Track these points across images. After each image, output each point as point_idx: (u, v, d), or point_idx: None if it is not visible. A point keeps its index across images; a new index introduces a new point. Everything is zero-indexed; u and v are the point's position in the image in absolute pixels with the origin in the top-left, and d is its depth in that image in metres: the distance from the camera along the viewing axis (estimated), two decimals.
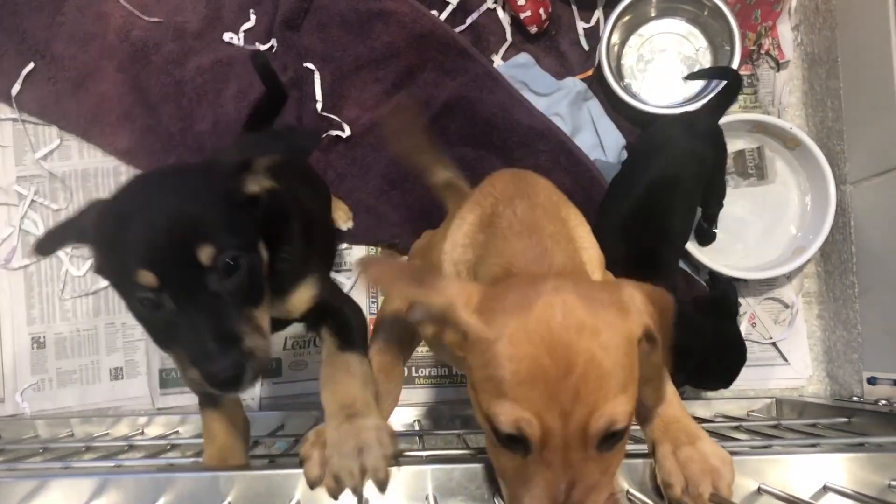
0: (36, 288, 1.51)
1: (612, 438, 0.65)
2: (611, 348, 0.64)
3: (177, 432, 1.39)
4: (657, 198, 1.27)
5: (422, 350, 1.51)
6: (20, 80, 1.53)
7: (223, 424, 0.88)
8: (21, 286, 1.51)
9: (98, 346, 1.50)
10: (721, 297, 1.32)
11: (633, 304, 0.68)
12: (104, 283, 1.48)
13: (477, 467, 0.76)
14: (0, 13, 1.54)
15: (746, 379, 1.51)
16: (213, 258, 0.72)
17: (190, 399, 1.48)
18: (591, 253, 0.87)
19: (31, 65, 1.53)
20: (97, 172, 1.54)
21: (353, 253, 1.54)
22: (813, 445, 0.99)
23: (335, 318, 0.90)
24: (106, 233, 0.73)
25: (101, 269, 0.77)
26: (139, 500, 0.75)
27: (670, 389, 0.81)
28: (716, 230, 1.49)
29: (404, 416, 1.40)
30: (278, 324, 0.90)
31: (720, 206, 1.44)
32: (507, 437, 0.65)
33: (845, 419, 1.21)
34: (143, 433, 1.39)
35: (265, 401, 1.48)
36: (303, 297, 0.89)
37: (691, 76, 1.46)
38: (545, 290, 0.66)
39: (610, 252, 0.95)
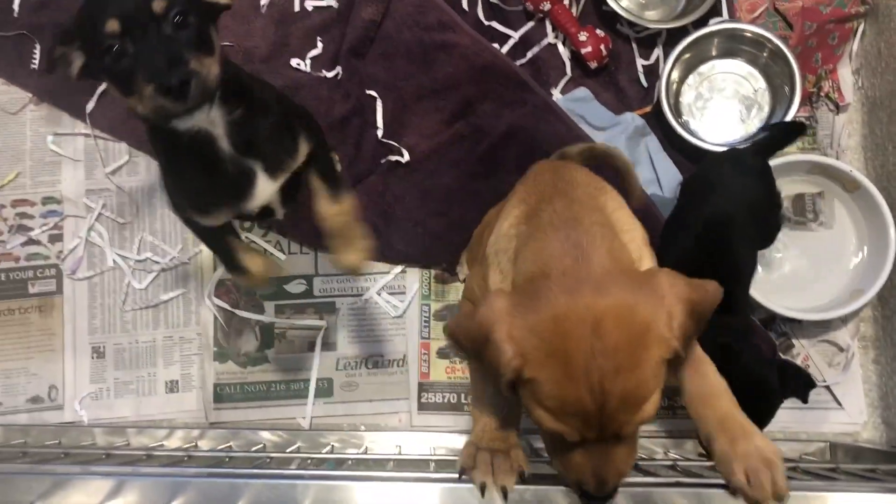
0: (99, 298, 1.55)
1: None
2: (643, 367, 0.70)
3: (230, 447, 1.41)
4: (718, 236, 1.27)
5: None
6: (95, 98, 1.58)
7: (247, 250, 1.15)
8: (85, 296, 1.55)
9: (155, 359, 1.53)
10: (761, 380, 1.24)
11: (667, 295, 0.74)
12: (165, 296, 1.53)
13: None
14: None
15: (800, 421, 1.50)
16: (165, 9, 0.88)
17: (242, 415, 1.51)
18: (632, 234, 0.90)
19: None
20: (163, 188, 1.58)
21: (407, 276, 1.56)
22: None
23: (321, 163, 1.14)
24: (83, 16, 0.92)
25: (86, 62, 0.94)
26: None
27: (717, 379, 0.87)
28: (759, 267, 1.49)
29: (457, 442, 1.41)
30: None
31: (769, 243, 1.43)
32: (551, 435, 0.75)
33: None
34: (196, 446, 1.41)
35: (316, 420, 1.50)
36: (303, 149, 1.10)
37: (764, 129, 1.47)
38: (585, 301, 0.70)
39: None
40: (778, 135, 1.44)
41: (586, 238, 0.79)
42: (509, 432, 0.87)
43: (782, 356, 1.49)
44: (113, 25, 0.86)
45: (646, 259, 0.90)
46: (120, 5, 0.88)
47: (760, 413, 1.20)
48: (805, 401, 1.27)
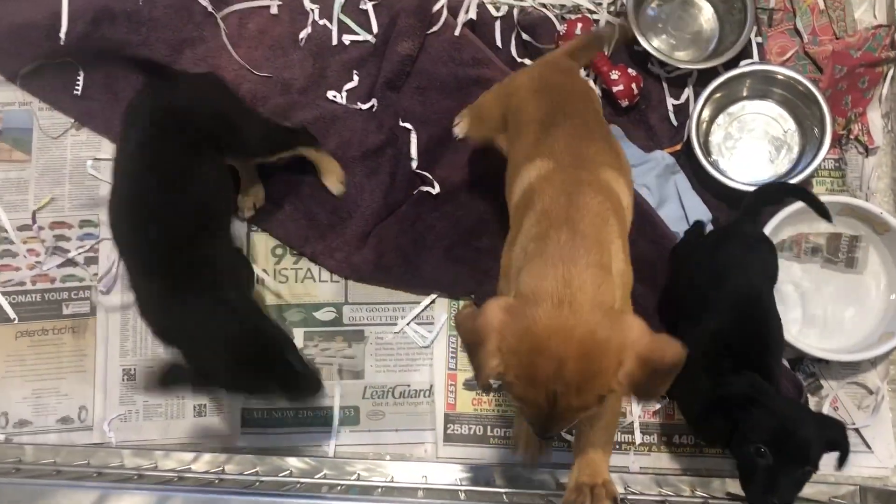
0: (131, 321, 1.57)
1: None
2: (586, 395, 0.89)
3: (256, 472, 1.41)
4: (750, 315, 1.28)
5: (496, 409, 1.52)
6: None
7: None
8: (118, 318, 1.57)
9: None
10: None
11: (627, 347, 0.89)
12: None
13: None
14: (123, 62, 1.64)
15: (828, 464, 1.47)
16: None
17: (269, 441, 1.51)
18: (619, 280, 1.01)
19: None
20: None
21: (436, 307, 1.57)
22: None
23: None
24: None
25: None
26: None
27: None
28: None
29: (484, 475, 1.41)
30: None
31: None
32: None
33: None
34: (223, 471, 1.41)
35: (341, 448, 1.50)
36: None
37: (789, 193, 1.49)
38: (552, 344, 0.87)
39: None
40: (766, 196, 1.46)
41: (578, 280, 0.92)
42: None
43: (809, 396, 1.48)
44: None
45: (623, 303, 1.03)
46: None
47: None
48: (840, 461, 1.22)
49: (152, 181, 1.25)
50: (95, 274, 1.59)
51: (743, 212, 1.42)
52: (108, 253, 1.60)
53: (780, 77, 1.57)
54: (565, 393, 0.87)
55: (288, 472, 1.42)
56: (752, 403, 1.14)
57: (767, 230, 1.47)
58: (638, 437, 1.50)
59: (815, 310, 1.53)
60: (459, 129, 1.53)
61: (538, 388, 0.88)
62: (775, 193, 1.47)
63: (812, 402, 1.49)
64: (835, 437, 1.17)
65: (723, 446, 1.26)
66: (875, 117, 1.62)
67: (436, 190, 1.56)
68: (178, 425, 1.53)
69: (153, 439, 1.52)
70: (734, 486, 1.41)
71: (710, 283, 1.31)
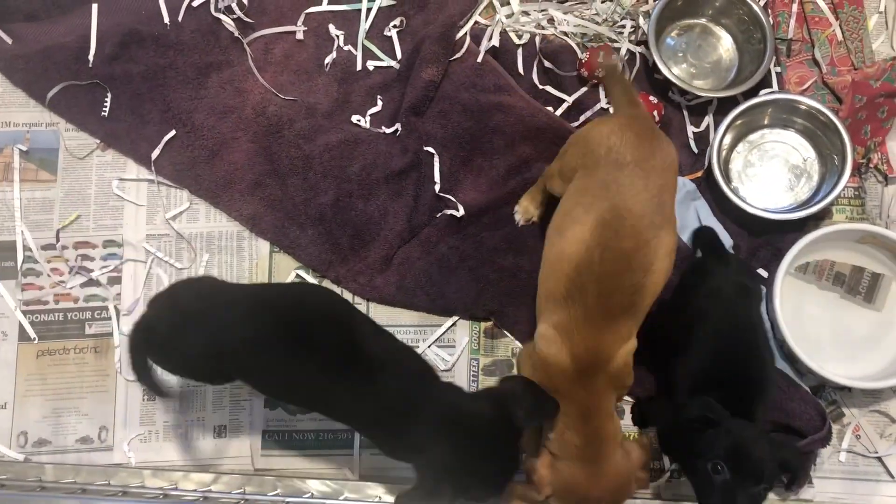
0: None
1: None
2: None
3: (277, 494, 1.41)
4: (746, 344, 1.33)
5: None
6: (160, 146, 1.63)
7: None
8: None
9: (205, 403, 1.54)
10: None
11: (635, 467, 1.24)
12: None
13: None
14: (150, 85, 1.66)
15: (850, 493, 1.48)
16: None
17: (289, 463, 1.51)
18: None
19: (173, 132, 1.64)
20: (221, 235, 1.62)
21: (457, 330, 1.57)
22: None
23: None
24: None
25: None
26: None
27: None
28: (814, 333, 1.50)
29: None
30: None
31: None
32: None
33: None
34: (244, 492, 1.41)
35: (361, 471, 1.50)
36: None
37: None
38: (593, 481, 1.21)
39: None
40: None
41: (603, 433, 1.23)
42: None
43: (832, 424, 1.48)
44: None
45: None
46: None
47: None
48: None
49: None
50: (118, 294, 1.60)
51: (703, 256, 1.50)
52: (132, 273, 1.61)
53: (801, 107, 1.58)
54: None
55: (309, 494, 1.42)
56: (708, 424, 1.18)
57: (793, 252, 1.48)
58: (667, 464, 1.49)
59: (836, 338, 1.53)
60: (520, 216, 1.57)
61: None
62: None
63: (834, 430, 1.48)
64: (788, 458, 1.20)
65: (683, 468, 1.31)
66: (894, 146, 1.63)
67: (460, 213, 1.58)
68: (198, 446, 1.53)
69: (172, 460, 1.52)
70: None
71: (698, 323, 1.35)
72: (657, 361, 1.40)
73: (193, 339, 1.21)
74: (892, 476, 1.49)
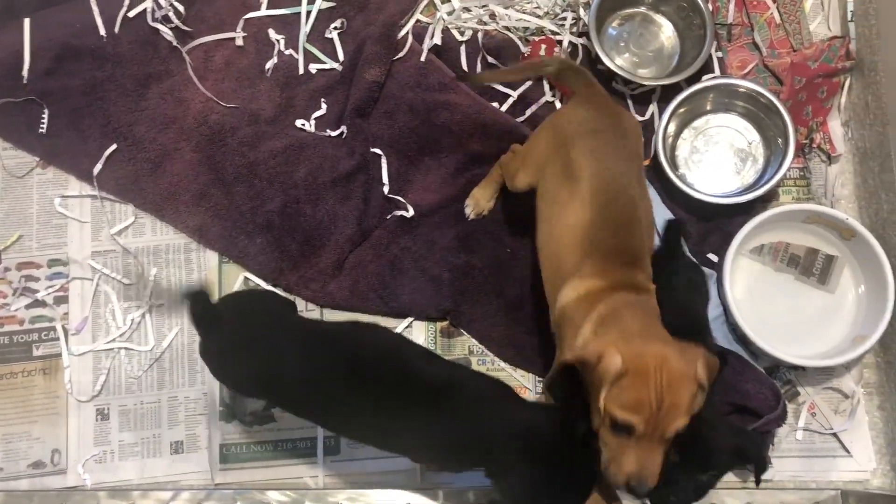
0: (103, 360, 1.54)
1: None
2: (685, 390, 1.01)
3: None
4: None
5: None
6: (102, 161, 1.60)
7: None
8: (89, 358, 1.54)
9: (160, 420, 1.52)
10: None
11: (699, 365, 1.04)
12: (165, 342, 1.52)
13: None
14: (89, 99, 1.63)
15: (808, 470, 1.50)
16: None
17: (249, 475, 1.49)
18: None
19: (114, 146, 1.61)
20: (168, 249, 1.60)
21: (413, 330, 1.56)
22: None
23: None
24: None
25: None
26: None
27: None
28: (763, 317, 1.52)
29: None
30: None
31: None
32: (618, 424, 1.01)
33: None
34: None
35: (327, 479, 1.48)
36: None
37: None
38: (653, 348, 1.04)
39: None
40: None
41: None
42: None
43: (787, 403, 1.49)
44: None
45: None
46: None
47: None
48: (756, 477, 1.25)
49: None
50: (66, 313, 1.56)
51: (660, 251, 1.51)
52: (79, 292, 1.58)
53: (741, 90, 1.60)
54: (668, 388, 1.00)
55: None
56: None
57: (740, 236, 1.49)
58: None
59: (788, 319, 1.55)
60: (471, 209, 1.57)
61: (647, 385, 1.00)
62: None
63: (791, 409, 1.49)
64: (743, 446, 1.20)
65: None
66: (835, 126, 1.65)
67: (409, 213, 1.57)
68: (156, 464, 1.50)
69: (129, 479, 1.49)
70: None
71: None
72: None
73: (247, 362, 1.19)
74: (847, 451, 1.51)
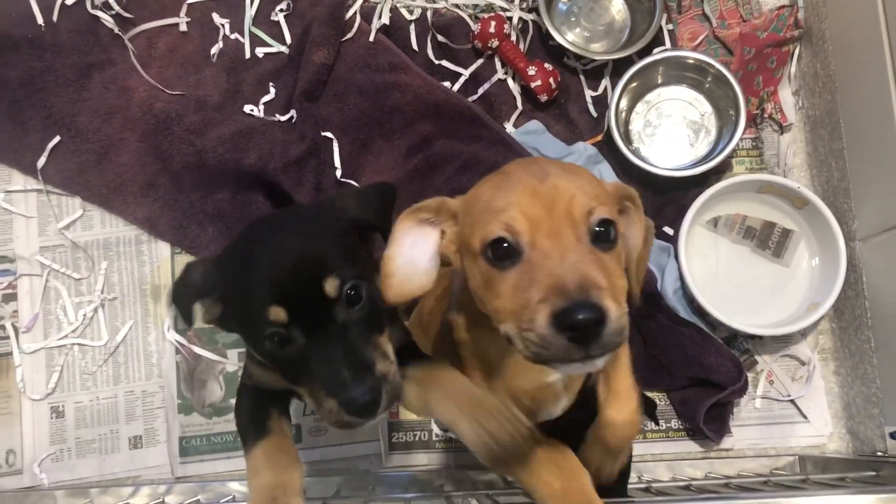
0: (56, 357, 1.51)
1: (603, 238, 0.71)
2: (583, 171, 0.76)
3: (198, 500, 1.37)
4: None
5: None
6: (46, 153, 1.56)
7: (268, 459, 0.88)
8: (42, 355, 1.51)
9: (117, 415, 1.50)
10: None
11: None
12: (119, 336, 1.50)
13: None
14: (28, 90, 1.58)
15: (767, 437, 1.52)
16: (339, 289, 0.77)
17: (210, 467, 1.47)
18: None
19: (57, 138, 1.57)
20: (118, 241, 1.57)
21: None
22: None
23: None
24: (232, 278, 0.80)
25: (224, 316, 0.83)
26: None
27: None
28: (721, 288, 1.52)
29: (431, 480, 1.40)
30: None
31: None
32: (500, 251, 0.70)
33: (873, 472, 1.21)
34: (163, 502, 1.37)
35: None
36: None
37: None
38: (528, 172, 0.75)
39: None
40: None
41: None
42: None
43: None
44: (279, 314, 0.76)
45: None
46: (284, 289, 0.76)
47: None
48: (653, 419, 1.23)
49: None
50: (15, 311, 1.53)
51: None
52: (28, 288, 1.54)
53: (690, 62, 1.59)
54: (561, 173, 0.73)
55: (231, 496, 1.39)
56: None
57: (694, 208, 1.50)
58: None
59: (745, 289, 1.56)
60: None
61: (521, 181, 0.72)
62: None
63: (749, 378, 1.51)
64: None
65: None
66: (786, 95, 1.66)
67: None
68: (114, 460, 1.48)
69: (88, 476, 1.47)
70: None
71: None
72: None
73: None
74: (804, 417, 1.53)
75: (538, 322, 0.64)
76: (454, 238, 0.80)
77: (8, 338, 1.52)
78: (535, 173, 0.73)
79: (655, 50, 1.64)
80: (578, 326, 0.62)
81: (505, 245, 0.70)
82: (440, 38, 1.65)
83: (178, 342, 1.51)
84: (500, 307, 0.71)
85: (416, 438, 1.50)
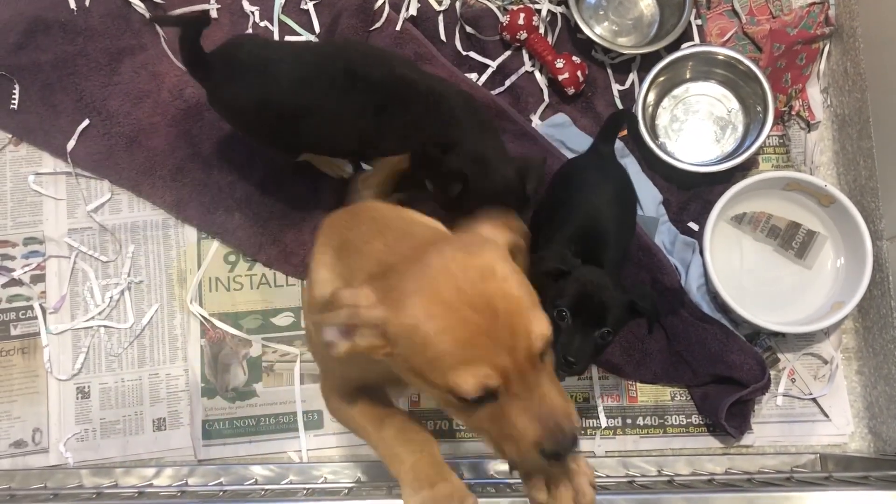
0: (83, 338, 1.53)
1: (546, 350, 0.78)
2: (510, 277, 0.76)
3: (220, 483, 1.39)
4: (590, 227, 1.33)
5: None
6: (76, 137, 1.58)
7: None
8: (69, 336, 1.53)
9: (142, 397, 1.51)
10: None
11: (495, 236, 0.82)
12: (145, 319, 1.51)
13: None
14: (60, 74, 1.60)
15: (788, 435, 1.51)
16: None
17: (232, 451, 1.49)
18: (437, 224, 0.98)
19: (87, 121, 1.58)
20: (146, 225, 1.58)
21: None
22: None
23: None
24: None
25: None
26: None
27: None
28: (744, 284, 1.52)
29: None
30: None
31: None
32: (474, 399, 0.74)
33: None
34: (186, 484, 1.39)
35: (310, 452, 1.48)
36: None
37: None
38: (431, 259, 0.75)
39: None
40: (612, 122, 1.51)
41: (403, 228, 0.90)
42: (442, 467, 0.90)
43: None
44: None
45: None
46: None
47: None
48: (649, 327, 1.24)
49: None
50: (43, 292, 1.55)
51: (598, 137, 1.50)
52: (56, 270, 1.56)
53: (720, 57, 1.59)
54: (489, 293, 0.73)
55: (253, 480, 1.40)
56: (561, 275, 1.20)
57: (720, 204, 1.50)
58: (603, 422, 1.51)
59: (769, 287, 1.55)
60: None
61: (459, 314, 0.72)
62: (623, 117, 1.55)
63: (771, 375, 1.50)
64: (635, 300, 1.20)
65: None
66: (814, 93, 1.65)
67: None
68: (138, 441, 1.50)
69: (112, 457, 1.49)
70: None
71: (568, 196, 1.38)
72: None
73: (246, 90, 1.28)
74: (826, 416, 1.52)
75: (528, 454, 0.75)
76: (383, 347, 0.77)
77: (36, 318, 1.53)
78: (483, 310, 0.72)
79: (684, 45, 1.63)
80: (563, 455, 0.75)
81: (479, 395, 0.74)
82: (468, 29, 1.65)
83: (202, 316, 1.53)
84: (474, 426, 0.79)
85: (437, 427, 1.51)
